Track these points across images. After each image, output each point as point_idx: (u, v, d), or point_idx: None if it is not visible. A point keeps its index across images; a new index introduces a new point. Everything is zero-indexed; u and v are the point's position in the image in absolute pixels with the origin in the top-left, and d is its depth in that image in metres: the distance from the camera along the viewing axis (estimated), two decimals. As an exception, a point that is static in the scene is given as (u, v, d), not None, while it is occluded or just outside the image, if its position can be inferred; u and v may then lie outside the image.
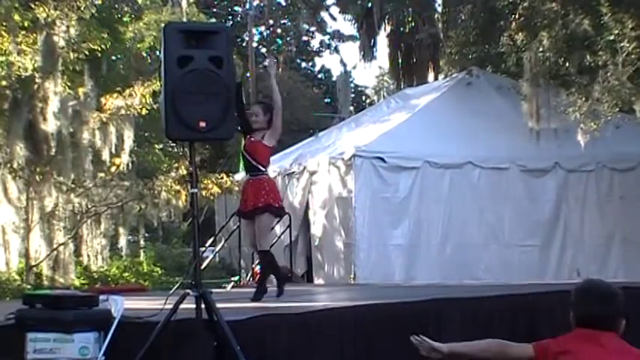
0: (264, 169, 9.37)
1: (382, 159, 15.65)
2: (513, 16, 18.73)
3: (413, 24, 28.58)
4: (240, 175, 20.86)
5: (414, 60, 29.06)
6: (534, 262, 16.31)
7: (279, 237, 17.40)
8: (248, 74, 35.96)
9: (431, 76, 28.00)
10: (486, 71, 20.83)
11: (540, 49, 16.37)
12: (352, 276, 15.36)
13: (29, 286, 13.78)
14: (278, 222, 12.73)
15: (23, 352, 6.20)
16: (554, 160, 16.60)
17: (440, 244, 15.93)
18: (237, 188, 17.82)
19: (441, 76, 25.63)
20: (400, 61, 29.46)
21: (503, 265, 15.83)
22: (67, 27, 14.37)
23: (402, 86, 27.77)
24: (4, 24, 14.18)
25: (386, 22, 29.27)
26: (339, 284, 15.15)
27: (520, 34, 17.71)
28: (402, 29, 29.19)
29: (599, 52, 15.21)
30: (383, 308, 7.85)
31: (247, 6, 38.83)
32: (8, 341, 6.25)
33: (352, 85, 42.55)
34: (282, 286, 9.66)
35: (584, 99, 15.63)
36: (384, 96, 39.24)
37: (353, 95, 42.05)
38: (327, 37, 43.42)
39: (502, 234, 16.30)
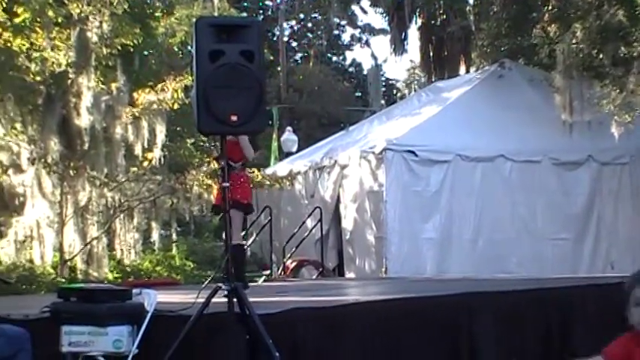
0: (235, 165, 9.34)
1: (413, 152, 15.62)
2: (546, 7, 18.62)
3: (444, 16, 28.48)
4: (271, 170, 20.94)
5: (446, 53, 28.96)
6: (567, 256, 16.23)
7: (311, 231, 17.44)
8: (279, 68, 36.00)
9: (462, 68, 27.89)
10: (518, 63, 20.72)
11: (574, 41, 16.26)
12: (383, 269, 15.36)
13: (64, 280, 13.88)
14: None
15: (58, 344, 6.26)
16: (587, 153, 16.50)
17: (472, 237, 15.89)
18: (268, 182, 17.84)
19: (472, 69, 25.51)
20: (431, 53, 29.37)
21: (535, 258, 15.76)
22: (100, 22, 14.44)
23: (434, 79, 27.68)
24: (38, 20, 14.27)
25: (417, 14, 29.20)
26: (371, 278, 15.16)
27: (553, 25, 17.61)
28: (433, 22, 29.10)
29: (633, 44, 15.10)
30: (414, 302, 7.84)
31: (278, 0, 38.86)
32: (43, 334, 6.31)
33: (383, 78, 42.45)
34: None
35: (618, 91, 15.52)
36: (415, 89, 39.09)
37: (384, 89, 41.93)
38: (358, 30, 43.36)
39: (535, 227, 16.22)
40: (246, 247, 18.29)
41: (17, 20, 14.14)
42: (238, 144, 9.33)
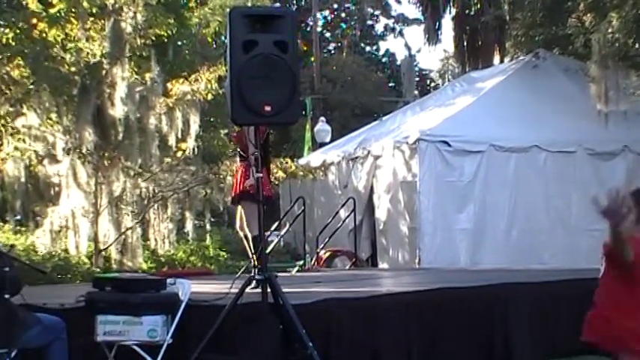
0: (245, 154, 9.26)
1: (447, 143, 15.56)
2: (581, -4, 18.46)
3: (478, 6, 28.30)
4: (305, 160, 20.95)
5: (480, 43, 28.80)
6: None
7: (344, 221, 17.43)
8: (312, 59, 35.97)
9: (497, 58, 27.72)
10: (553, 53, 20.56)
11: (609, 30, 16.11)
12: (417, 260, 15.32)
13: (98, 270, 13.97)
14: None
15: (93, 334, 6.31)
16: (622, 144, 16.34)
17: (506, 228, 15.80)
18: (301, 173, 17.84)
19: (506, 59, 25.37)
20: (465, 43, 29.21)
21: (569, 249, 15.64)
22: (134, 13, 14.48)
23: (467, 69, 27.53)
24: (73, 11, 14.34)
25: (451, 4, 29.06)
26: (404, 268, 15.14)
27: (588, 15, 17.47)
28: (467, 12, 28.95)
29: (671, 33, 14.94)
30: (449, 293, 7.82)
31: (312, -10, 38.82)
32: (79, 323, 6.36)
33: (417, 68, 42.31)
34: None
35: (654, 80, 15.37)
36: (448, 79, 38.95)
37: (417, 79, 41.79)
38: (392, 20, 43.25)
39: (569, 218, 16.09)
40: (279, 237, 18.42)
41: (52, 11, 14.22)
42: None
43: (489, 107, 17.00)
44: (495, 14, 26.32)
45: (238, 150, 9.42)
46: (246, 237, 9.32)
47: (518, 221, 15.85)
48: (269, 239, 16.05)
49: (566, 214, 16.10)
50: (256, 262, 8.88)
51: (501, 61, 26.04)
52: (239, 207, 9.46)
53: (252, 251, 9.09)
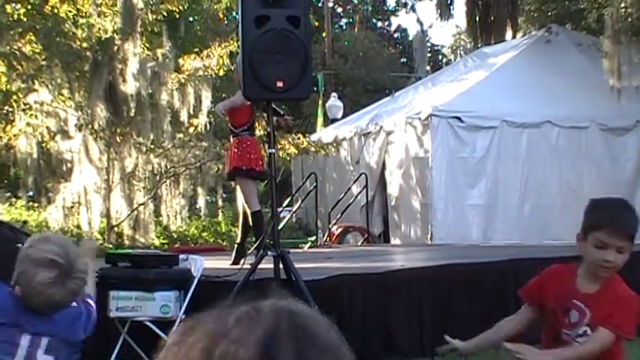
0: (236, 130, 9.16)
1: (459, 118, 15.51)
2: (594, -29, 18.34)
3: (491, -19, 28.12)
4: (316, 136, 20.93)
5: (492, 18, 28.57)
6: (615, 222, 16.05)
7: (356, 197, 17.44)
8: (324, 34, 35.88)
9: (509, 34, 27.51)
10: (566, 28, 20.45)
11: (622, 5, 16.02)
12: (429, 236, 15.32)
13: (111, 246, 14.03)
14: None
15: (106, 309, 6.34)
16: (635, 119, 16.26)
17: (518, 204, 15.78)
18: (313, 149, 17.83)
19: (519, 34, 25.20)
20: (477, 19, 28.97)
21: (582, 225, 15.61)
22: (146, -12, 14.50)
23: (480, 45, 27.34)
24: (84, -14, 14.36)
25: (463, -21, 28.86)
26: (416, 244, 15.14)
27: (601, -11, 17.34)
28: (479, -14, 28.75)
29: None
30: (461, 269, 7.82)
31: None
32: (92, 299, 6.37)
33: (429, 44, 42.16)
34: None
35: (667, 56, 15.28)
36: (460, 55, 38.78)
37: (429, 54, 41.69)
38: (404, -5, 43.10)
39: (582, 194, 16.01)
40: (291, 213, 18.44)
41: (64, -13, 14.22)
42: (236, 108, 9.07)
43: (502, 83, 16.94)
44: (508, -11, 26.15)
45: (229, 125, 9.34)
46: (244, 212, 9.25)
47: (531, 197, 15.83)
48: (281, 215, 16.08)
49: (578, 190, 16.04)
50: (255, 238, 8.90)
51: (514, 37, 25.86)
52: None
53: (250, 227, 9.07)
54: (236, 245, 9.30)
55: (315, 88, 26.47)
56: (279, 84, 6.45)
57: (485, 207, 15.59)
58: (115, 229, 14.82)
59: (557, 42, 18.72)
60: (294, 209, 18.43)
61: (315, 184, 17.13)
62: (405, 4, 43.24)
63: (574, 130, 16.09)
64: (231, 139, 9.26)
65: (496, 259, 8.50)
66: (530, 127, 15.91)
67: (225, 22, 21.03)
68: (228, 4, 19.38)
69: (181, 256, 6.69)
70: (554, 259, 8.62)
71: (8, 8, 14.02)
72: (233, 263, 8.59)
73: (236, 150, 9.04)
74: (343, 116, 24.49)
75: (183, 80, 14.97)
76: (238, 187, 9.45)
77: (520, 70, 17.50)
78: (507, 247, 12.20)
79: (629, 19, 16.13)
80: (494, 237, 15.17)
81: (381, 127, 17.54)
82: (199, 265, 6.59)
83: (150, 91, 14.61)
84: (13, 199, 16.80)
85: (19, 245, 5.93)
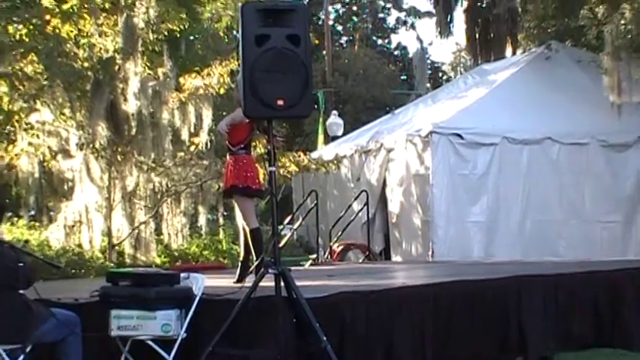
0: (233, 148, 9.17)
1: (460, 135, 15.54)
2: (594, -12, 18.38)
3: (490, -2, 28.19)
4: (317, 153, 20.95)
5: (492, 35, 28.63)
6: (617, 239, 16.07)
7: (357, 214, 17.43)
8: (324, 52, 35.94)
9: (509, 51, 27.57)
10: (566, 45, 20.51)
11: (622, 22, 16.06)
12: (430, 253, 15.32)
13: (112, 264, 14.02)
14: None
15: (107, 328, 6.34)
16: (636, 135, 16.30)
17: (519, 220, 15.79)
18: (314, 166, 17.84)
19: (519, 51, 25.25)
20: (477, 36, 29.04)
21: (584, 241, 15.62)
22: (147, 8, 14.51)
23: (480, 62, 27.40)
24: (86, 6, 14.37)
25: (463, -4, 28.94)
26: (417, 261, 15.13)
27: (601, 6, 17.39)
28: (479, 3, 28.79)
29: (683, 24, 14.87)
30: (463, 285, 7.81)
31: (323, -17, 38.77)
32: (93, 318, 6.39)
33: (429, 61, 42.25)
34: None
35: (667, 72, 15.30)
36: (461, 72, 38.86)
37: (429, 72, 41.76)
38: (403, 13, 43.21)
39: (583, 210, 16.07)
40: (292, 230, 18.43)
41: (65, 7, 14.26)
42: (235, 126, 9.09)
43: (502, 99, 16.98)
44: (507, 6, 26.22)
45: (226, 143, 9.39)
46: (243, 229, 9.27)
47: (532, 213, 15.83)
48: (282, 233, 16.08)
49: (579, 206, 16.08)
50: (254, 256, 8.91)
51: (513, 53, 25.92)
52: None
53: (251, 245, 9.08)
54: (240, 263, 9.31)
55: (316, 106, 26.51)
56: (280, 102, 6.47)
57: (486, 223, 15.60)
58: (117, 247, 14.82)
59: (557, 59, 18.77)
60: (295, 227, 18.42)
61: (315, 201, 17.13)
62: (405, 22, 43.38)
63: (575, 147, 16.12)
64: (228, 157, 9.30)
65: (498, 275, 8.48)
66: (531, 144, 15.94)
67: (226, 40, 21.06)
68: (229, 23, 19.42)
69: (182, 275, 6.69)
70: (556, 275, 8.61)
71: (10, 29, 14.07)
72: (237, 281, 8.62)
73: (232, 168, 9.09)
74: (344, 134, 24.52)
75: (184, 99, 15.00)
76: (236, 205, 9.50)
77: (520, 86, 17.55)
78: (509, 263, 12.18)
79: (629, 36, 16.16)
80: (495, 253, 15.16)
81: (382, 144, 17.56)
82: (200, 283, 6.59)
83: (151, 109, 14.65)
84: (15, 219, 16.80)
85: (21, 264, 5.95)
